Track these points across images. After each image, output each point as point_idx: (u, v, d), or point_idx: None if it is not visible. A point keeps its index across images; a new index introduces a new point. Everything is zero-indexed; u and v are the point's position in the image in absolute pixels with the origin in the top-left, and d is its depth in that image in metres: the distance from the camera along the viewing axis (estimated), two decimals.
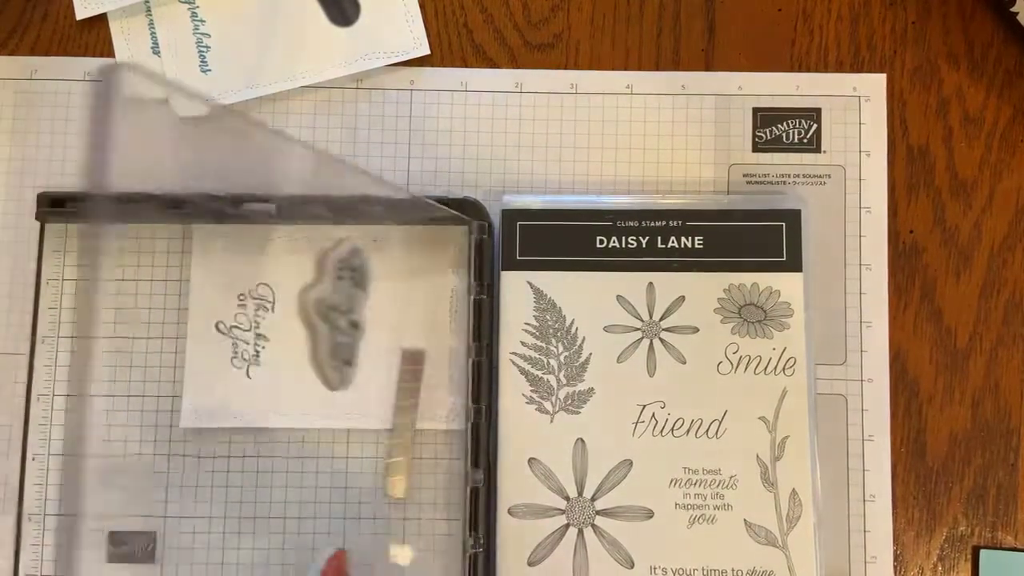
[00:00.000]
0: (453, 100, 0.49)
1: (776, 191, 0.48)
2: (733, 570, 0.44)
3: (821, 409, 0.46)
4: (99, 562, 0.46)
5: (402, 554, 0.46)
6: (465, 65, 0.50)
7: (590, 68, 0.50)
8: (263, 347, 0.47)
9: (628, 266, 0.46)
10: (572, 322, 0.46)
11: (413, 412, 0.44)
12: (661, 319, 0.46)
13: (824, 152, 0.49)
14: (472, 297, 0.46)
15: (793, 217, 0.46)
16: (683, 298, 0.46)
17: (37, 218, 0.47)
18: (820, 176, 0.49)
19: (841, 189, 0.48)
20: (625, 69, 0.50)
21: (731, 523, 0.44)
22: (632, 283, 0.46)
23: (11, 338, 0.47)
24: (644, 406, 0.45)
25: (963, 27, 0.50)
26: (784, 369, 0.45)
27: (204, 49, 0.49)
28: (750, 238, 0.46)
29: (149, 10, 0.50)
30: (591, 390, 0.46)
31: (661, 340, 0.46)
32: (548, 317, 0.46)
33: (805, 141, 0.49)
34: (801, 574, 0.44)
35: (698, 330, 0.46)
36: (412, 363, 0.45)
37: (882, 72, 0.49)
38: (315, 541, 0.46)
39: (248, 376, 0.47)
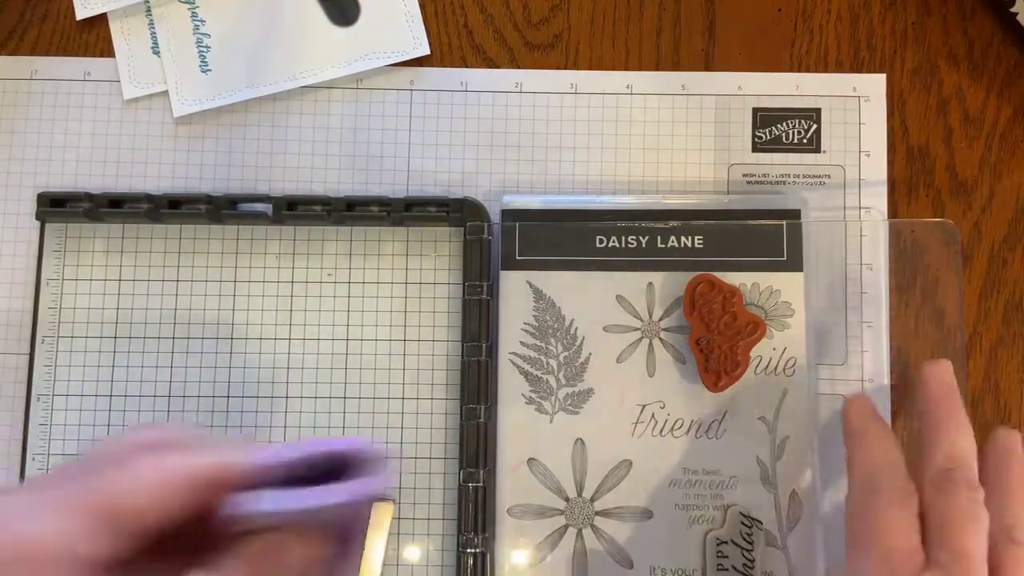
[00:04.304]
0: (453, 100, 0.49)
1: (776, 191, 0.48)
2: (733, 570, 0.44)
3: (821, 409, 0.46)
4: None
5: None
6: (465, 65, 0.50)
7: (590, 68, 0.50)
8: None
9: (628, 266, 0.46)
10: (572, 322, 0.46)
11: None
12: (661, 319, 0.46)
13: (824, 152, 0.49)
14: (472, 297, 0.46)
15: (793, 217, 0.46)
16: (683, 298, 0.46)
17: (37, 218, 0.47)
18: (820, 176, 0.49)
19: (841, 189, 0.48)
20: (625, 69, 0.50)
21: (731, 524, 0.44)
22: (632, 283, 0.46)
23: (11, 338, 0.48)
24: (644, 406, 0.45)
25: (963, 27, 0.50)
26: (784, 369, 0.45)
27: (204, 49, 0.49)
28: (750, 238, 0.46)
29: (149, 10, 0.50)
30: (591, 390, 0.46)
31: (661, 340, 0.46)
32: (547, 317, 0.46)
33: (805, 141, 0.49)
34: (801, 574, 0.44)
35: None
36: (379, 517, 0.45)
37: (882, 72, 0.49)
38: None
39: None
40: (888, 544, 0.36)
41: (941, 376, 0.40)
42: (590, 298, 0.46)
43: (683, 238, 0.46)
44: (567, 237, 0.47)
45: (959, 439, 0.38)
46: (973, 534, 0.36)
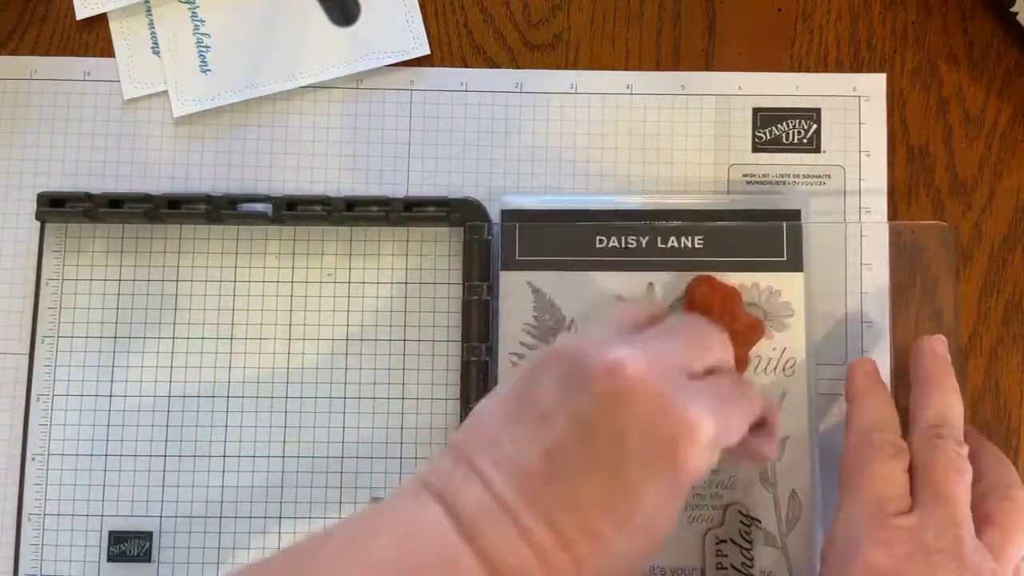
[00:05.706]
0: (453, 100, 0.49)
1: (776, 191, 0.48)
2: (732, 569, 0.44)
3: (821, 409, 0.46)
4: (98, 562, 0.46)
5: None
6: (465, 65, 0.50)
7: (590, 68, 0.50)
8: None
9: (628, 266, 0.46)
10: (572, 322, 0.46)
11: None
12: None
13: (824, 152, 0.49)
14: (472, 297, 0.46)
15: (793, 217, 0.46)
16: (682, 298, 0.46)
17: (37, 218, 0.47)
18: (820, 176, 0.49)
19: (841, 189, 0.48)
20: (625, 69, 0.50)
21: (730, 523, 0.44)
22: (632, 283, 0.46)
23: (11, 338, 0.48)
24: None
25: (963, 27, 0.50)
26: (784, 369, 0.45)
27: (204, 49, 0.49)
28: (750, 238, 0.46)
29: (149, 10, 0.50)
30: None
31: None
32: (547, 317, 0.46)
33: (805, 141, 0.49)
34: (800, 574, 0.44)
35: None
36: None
37: (882, 72, 0.49)
38: None
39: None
40: (878, 490, 0.38)
41: (934, 348, 0.43)
42: (590, 298, 0.46)
43: (683, 238, 0.46)
44: (567, 237, 0.47)
45: (948, 402, 0.41)
46: (957, 482, 0.38)
